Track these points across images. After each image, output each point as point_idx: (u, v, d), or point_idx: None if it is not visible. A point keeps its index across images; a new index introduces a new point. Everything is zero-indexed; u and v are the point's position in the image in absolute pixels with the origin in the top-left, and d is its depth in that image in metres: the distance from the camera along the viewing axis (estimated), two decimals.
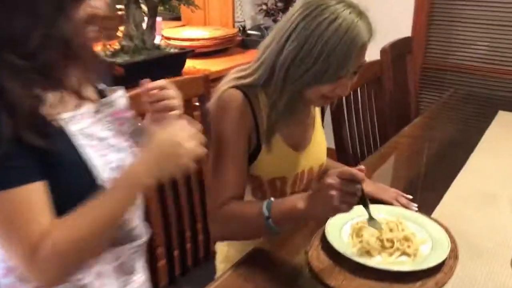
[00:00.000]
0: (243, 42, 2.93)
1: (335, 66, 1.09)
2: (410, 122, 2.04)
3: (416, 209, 1.28)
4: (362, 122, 2.01)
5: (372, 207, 1.07)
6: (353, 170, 0.94)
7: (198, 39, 2.65)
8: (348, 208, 0.96)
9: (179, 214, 1.46)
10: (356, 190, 0.95)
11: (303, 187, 1.34)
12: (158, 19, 2.31)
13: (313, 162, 1.33)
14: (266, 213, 1.06)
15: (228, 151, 1.17)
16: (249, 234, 1.18)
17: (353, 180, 0.94)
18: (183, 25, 3.03)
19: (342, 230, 1.14)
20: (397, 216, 1.19)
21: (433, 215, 1.26)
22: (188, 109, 1.43)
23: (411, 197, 1.33)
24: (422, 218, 1.21)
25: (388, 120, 2.16)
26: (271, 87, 1.17)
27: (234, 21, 3.03)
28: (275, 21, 2.88)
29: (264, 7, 3.00)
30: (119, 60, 2.03)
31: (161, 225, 1.42)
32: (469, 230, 1.21)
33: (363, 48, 1.11)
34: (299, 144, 1.28)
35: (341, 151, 1.92)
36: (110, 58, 2.04)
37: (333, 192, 0.94)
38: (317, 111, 1.36)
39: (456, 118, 2.10)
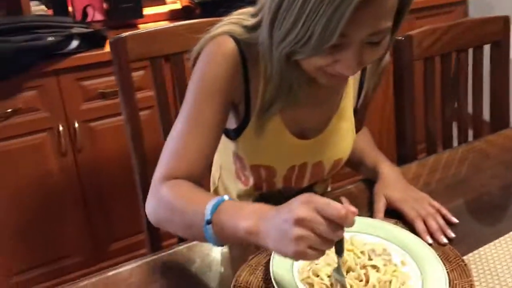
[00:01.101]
0: None
1: (319, 32, 0.73)
2: None
3: (446, 241, 0.90)
4: (448, 95, 1.33)
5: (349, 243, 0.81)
6: (342, 210, 0.64)
7: None
8: (317, 256, 0.67)
9: None
10: (336, 238, 0.66)
11: (306, 185, 1.07)
12: None
13: (324, 156, 1.03)
14: (208, 214, 0.75)
15: (197, 112, 0.89)
16: (188, 233, 0.84)
17: (337, 223, 0.65)
18: None
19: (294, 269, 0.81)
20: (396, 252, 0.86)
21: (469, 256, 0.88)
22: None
23: (456, 220, 0.96)
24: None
25: (503, 99, 1.42)
26: (260, 49, 0.88)
27: None
28: None
29: None
30: None
31: None
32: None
33: (367, 4, 0.72)
34: (306, 130, 1.00)
35: (399, 135, 1.32)
36: None
37: (303, 232, 0.64)
38: (350, 92, 1.03)
39: None
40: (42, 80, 1.61)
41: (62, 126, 1.69)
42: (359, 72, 1.04)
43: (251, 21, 0.90)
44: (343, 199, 0.68)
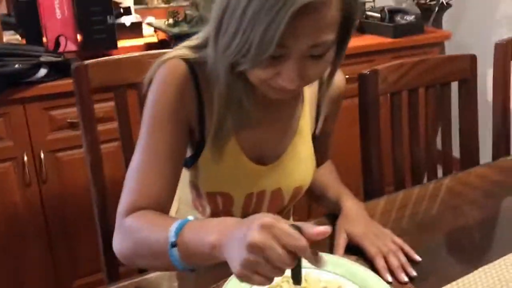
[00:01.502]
0: (360, 24, 2.36)
1: (258, 41, 0.71)
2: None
3: (407, 279, 0.87)
4: (416, 130, 1.31)
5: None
6: (302, 242, 0.61)
7: None
8: (264, 282, 0.63)
9: None
10: (286, 267, 0.62)
11: (266, 212, 0.99)
12: None
13: (283, 183, 0.99)
14: (171, 236, 0.72)
15: (153, 141, 0.87)
16: (157, 264, 0.80)
17: (294, 253, 0.62)
18: None
19: None
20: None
21: None
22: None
23: (418, 258, 0.93)
24: None
25: (472, 136, 1.41)
26: (208, 63, 0.85)
27: None
28: (418, 5, 2.46)
29: None
30: (175, 30, 1.88)
31: None
32: None
33: (305, 14, 0.70)
34: (264, 155, 0.97)
35: (366, 171, 1.28)
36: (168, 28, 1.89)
37: (252, 258, 0.61)
38: (307, 113, 1.00)
39: None
40: (7, 107, 1.58)
41: (27, 155, 1.65)
42: (315, 97, 1.02)
43: (199, 39, 0.89)
44: (309, 224, 0.65)
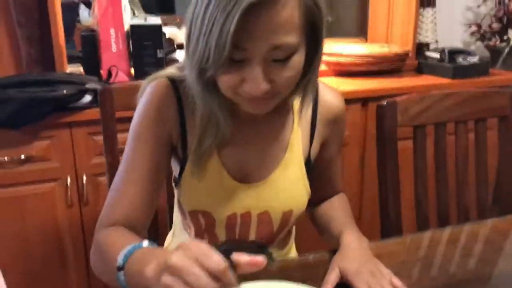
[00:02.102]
0: (418, 65, 2.35)
1: (214, 43, 0.72)
2: None
3: None
4: (443, 168, 1.20)
5: None
6: (220, 265, 0.59)
7: (346, 55, 2.16)
8: None
9: None
10: None
11: (253, 239, 0.98)
12: None
13: (271, 206, 0.95)
14: (119, 260, 0.72)
15: (133, 158, 0.88)
16: (113, 284, 0.79)
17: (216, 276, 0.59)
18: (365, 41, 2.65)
19: None
20: None
21: None
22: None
23: None
24: None
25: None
26: (187, 79, 0.86)
27: (414, 40, 2.36)
28: (487, 46, 2.43)
29: (474, 28, 2.44)
30: None
31: None
32: None
33: (257, 14, 0.71)
34: (249, 174, 0.95)
35: (383, 211, 1.20)
36: None
37: (170, 281, 0.60)
38: (298, 134, 0.98)
39: None
40: (55, 131, 1.69)
41: (71, 177, 1.74)
42: (309, 121, 0.99)
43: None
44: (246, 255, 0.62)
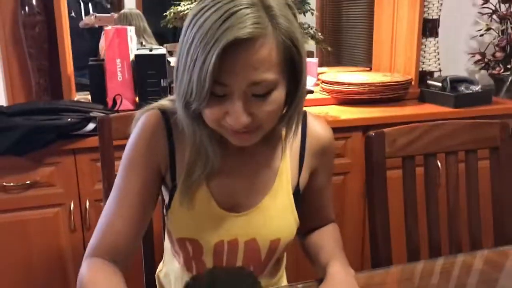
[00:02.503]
0: (421, 93, 2.35)
1: (196, 79, 0.77)
2: None
3: None
4: (433, 199, 1.21)
5: None
6: None
7: (349, 84, 2.21)
8: None
9: None
10: None
11: (242, 265, 0.99)
12: (313, 60, 2.35)
13: (258, 234, 0.97)
14: None
15: (122, 188, 0.92)
16: None
17: None
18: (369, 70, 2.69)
19: None
20: None
21: None
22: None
23: None
24: None
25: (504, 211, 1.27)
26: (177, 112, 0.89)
27: (417, 69, 2.37)
28: (492, 75, 2.48)
29: (478, 56, 2.48)
30: None
31: None
32: None
33: (235, 52, 0.75)
34: (237, 204, 0.97)
35: (372, 241, 1.20)
36: None
37: None
38: (287, 165, 0.99)
39: None
40: (60, 157, 1.74)
41: (74, 203, 1.78)
42: (298, 151, 1.01)
43: None
44: None
